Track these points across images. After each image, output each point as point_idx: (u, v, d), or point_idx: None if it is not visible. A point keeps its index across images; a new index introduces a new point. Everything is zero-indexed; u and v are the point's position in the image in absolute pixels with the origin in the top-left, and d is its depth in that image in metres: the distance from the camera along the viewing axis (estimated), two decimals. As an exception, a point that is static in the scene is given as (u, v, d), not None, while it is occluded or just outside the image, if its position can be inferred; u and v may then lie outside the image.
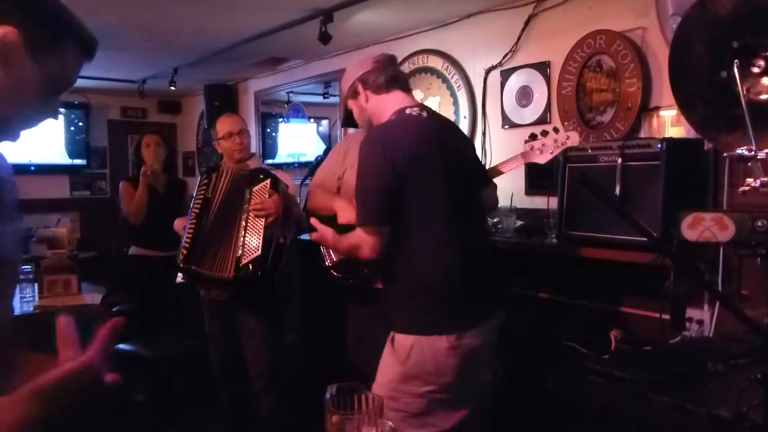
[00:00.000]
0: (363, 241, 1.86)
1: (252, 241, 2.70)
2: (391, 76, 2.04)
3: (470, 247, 1.91)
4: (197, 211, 2.81)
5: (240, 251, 2.69)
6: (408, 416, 1.82)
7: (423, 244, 1.86)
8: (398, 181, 1.82)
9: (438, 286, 1.86)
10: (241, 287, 2.81)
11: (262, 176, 2.79)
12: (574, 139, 2.29)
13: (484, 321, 1.92)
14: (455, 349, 1.82)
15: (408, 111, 1.96)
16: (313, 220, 2.13)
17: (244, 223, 2.72)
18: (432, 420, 1.85)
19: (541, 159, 2.30)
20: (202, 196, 2.83)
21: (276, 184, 2.77)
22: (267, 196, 2.74)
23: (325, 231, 2.04)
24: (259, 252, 2.68)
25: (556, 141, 2.28)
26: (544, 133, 2.31)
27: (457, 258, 1.87)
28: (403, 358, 1.85)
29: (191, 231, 2.79)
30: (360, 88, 2.05)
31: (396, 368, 1.87)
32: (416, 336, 1.84)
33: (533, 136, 2.34)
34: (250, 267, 2.68)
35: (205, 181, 2.87)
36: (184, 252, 2.77)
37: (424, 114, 1.97)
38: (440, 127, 2.01)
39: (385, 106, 2.01)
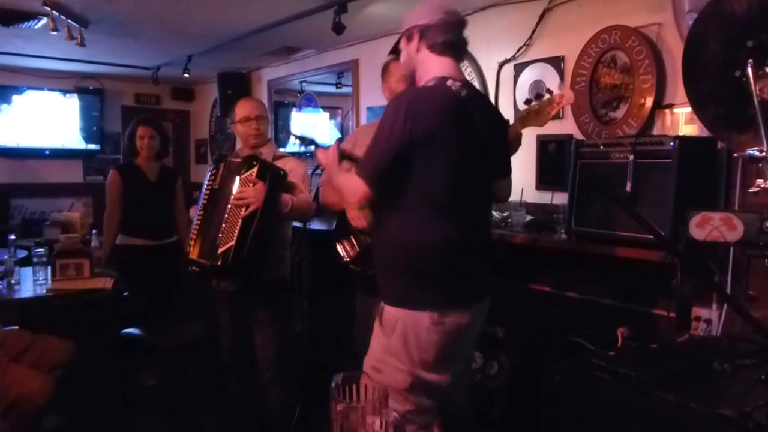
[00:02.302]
0: (357, 188, 1.85)
1: (230, 230, 2.63)
2: (451, 41, 1.97)
3: (466, 231, 1.90)
4: (205, 202, 2.78)
5: (219, 240, 2.64)
6: (391, 390, 1.84)
7: (417, 218, 1.86)
8: (410, 149, 1.81)
9: (424, 262, 1.86)
10: (237, 277, 2.80)
11: (253, 163, 2.69)
12: (568, 96, 2.23)
13: (470, 303, 1.92)
14: (437, 326, 1.82)
15: (449, 83, 1.90)
16: (333, 145, 2.13)
17: (227, 214, 2.65)
18: (414, 398, 1.87)
19: (540, 121, 2.27)
20: (209, 188, 2.79)
21: (263, 172, 2.67)
22: (250, 185, 2.65)
23: (331, 155, 2.08)
24: (233, 242, 2.60)
25: (551, 102, 2.23)
26: (539, 97, 2.26)
27: (448, 238, 1.86)
28: (389, 330, 1.87)
29: (198, 222, 2.77)
30: (416, 36, 1.98)
31: (382, 340, 1.90)
32: (400, 309, 1.86)
33: (528, 101, 2.31)
34: (225, 256, 2.62)
35: (213, 171, 2.82)
36: (191, 244, 2.76)
37: (464, 92, 1.91)
38: (474, 108, 1.94)
39: (432, 66, 1.97)
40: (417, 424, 1.89)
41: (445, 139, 1.82)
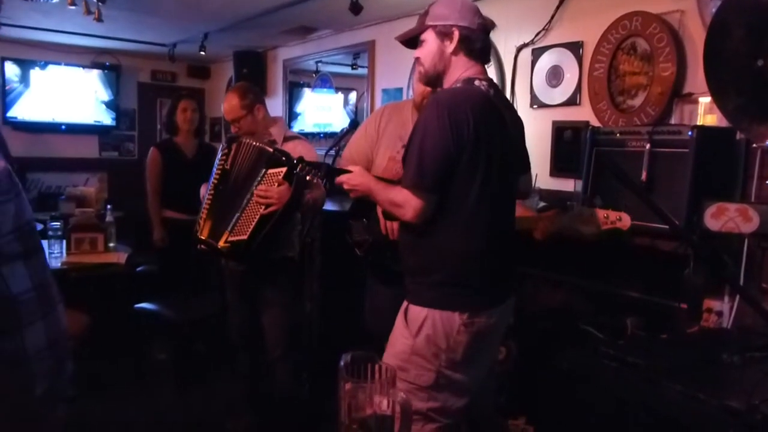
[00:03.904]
0: (408, 203, 1.81)
1: (246, 223, 2.61)
2: (487, 47, 1.96)
3: (498, 232, 1.90)
4: (216, 182, 2.75)
5: (230, 227, 2.64)
6: (416, 388, 1.84)
7: (455, 221, 1.83)
8: (458, 154, 1.78)
9: (460, 265, 1.85)
10: (256, 260, 2.81)
11: (282, 159, 2.59)
12: (626, 221, 2.18)
13: (498, 304, 1.92)
14: (467, 326, 1.82)
15: (477, 83, 1.89)
16: (354, 167, 2.04)
17: (245, 202, 2.62)
18: (440, 396, 1.87)
19: (586, 229, 2.23)
20: (221, 167, 2.75)
21: (291, 173, 2.56)
22: (275, 184, 2.57)
23: (366, 174, 2.01)
24: (246, 236, 2.60)
25: (607, 217, 2.20)
26: (593, 205, 2.24)
27: (484, 240, 1.86)
28: (415, 330, 1.85)
29: (209, 201, 2.75)
30: (456, 36, 1.90)
31: (407, 340, 1.88)
32: (430, 309, 1.84)
33: (588, 203, 2.27)
34: (234, 246, 2.62)
35: (225, 151, 2.76)
36: (200, 223, 2.75)
37: (492, 91, 1.90)
38: (502, 106, 1.95)
39: (462, 69, 1.93)
40: (440, 423, 1.88)
41: (484, 141, 1.81)
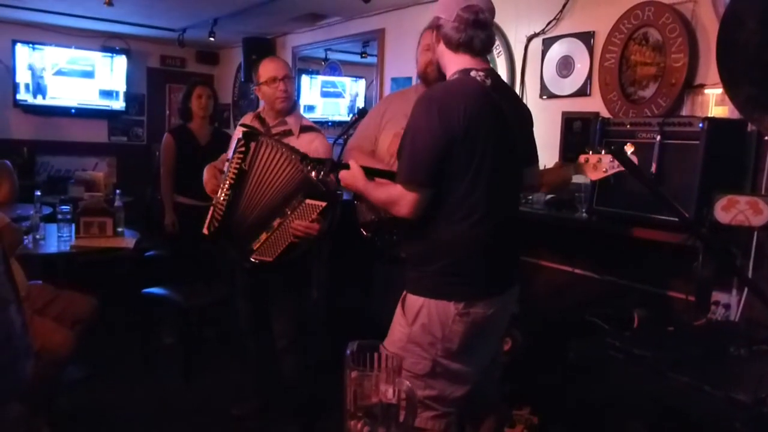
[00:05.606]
0: (403, 198, 1.82)
1: (272, 245, 2.57)
2: (467, 40, 1.89)
3: (498, 223, 1.89)
4: (231, 181, 2.59)
5: (257, 245, 2.59)
6: (412, 376, 1.84)
7: (449, 211, 1.84)
8: (448, 147, 1.79)
9: (455, 255, 1.85)
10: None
11: (324, 192, 2.46)
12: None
13: (497, 294, 1.92)
14: (463, 316, 1.83)
15: (473, 74, 1.88)
16: (352, 162, 2.05)
17: (275, 224, 2.54)
18: (436, 384, 1.88)
19: (593, 175, 2.24)
20: (238, 166, 2.58)
21: (327, 210, 2.48)
22: (309, 217, 2.48)
23: (357, 175, 2.01)
24: (271, 260, 2.58)
25: (612, 161, 2.21)
26: (598, 152, 2.26)
27: (482, 231, 1.85)
28: (412, 318, 1.87)
29: (224, 202, 2.61)
30: (436, 30, 1.96)
31: (404, 328, 1.90)
32: (425, 298, 1.86)
33: (587, 151, 2.28)
34: (256, 265, 2.62)
35: (242, 149, 2.57)
36: (216, 225, 2.63)
37: (488, 81, 1.89)
38: (500, 97, 1.92)
39: (450, 62, 1.94)
40: (437, 411, 1.90)
41: (477, 132, 1.80)
